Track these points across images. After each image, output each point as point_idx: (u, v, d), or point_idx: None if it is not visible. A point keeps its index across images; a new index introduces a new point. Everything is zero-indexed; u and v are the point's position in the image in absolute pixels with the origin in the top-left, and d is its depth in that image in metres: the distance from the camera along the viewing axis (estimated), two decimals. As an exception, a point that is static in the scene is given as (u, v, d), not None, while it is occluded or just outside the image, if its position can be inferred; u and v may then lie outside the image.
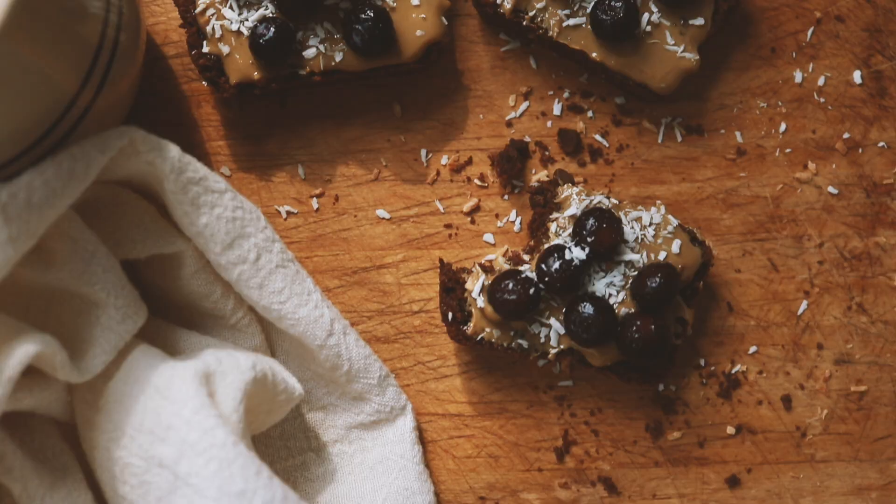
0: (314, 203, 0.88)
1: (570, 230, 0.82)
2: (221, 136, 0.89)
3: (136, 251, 0.79)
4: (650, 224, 0.82)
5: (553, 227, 0.82)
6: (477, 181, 0.88)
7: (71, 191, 0.72)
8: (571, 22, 0.84)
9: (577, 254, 0.80)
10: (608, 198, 0.83)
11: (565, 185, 0.84)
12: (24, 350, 0.71)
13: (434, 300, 0.87)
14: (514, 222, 0.88)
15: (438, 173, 0.88)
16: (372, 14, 0.81)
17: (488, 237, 0.87)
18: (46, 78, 0.69)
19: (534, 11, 0.84)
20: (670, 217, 0.82)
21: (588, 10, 0.84)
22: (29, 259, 0.75)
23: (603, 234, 0.80)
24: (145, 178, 0.78)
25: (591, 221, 0.80)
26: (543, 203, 0.85)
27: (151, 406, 0.75)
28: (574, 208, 0.82)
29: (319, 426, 0.86)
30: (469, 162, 0.88)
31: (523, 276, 0.80)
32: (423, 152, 0.88)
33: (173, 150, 0.77)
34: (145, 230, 0.80)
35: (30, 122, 0.70)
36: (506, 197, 0.88)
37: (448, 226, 0.88)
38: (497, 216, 0.88)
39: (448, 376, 0.87)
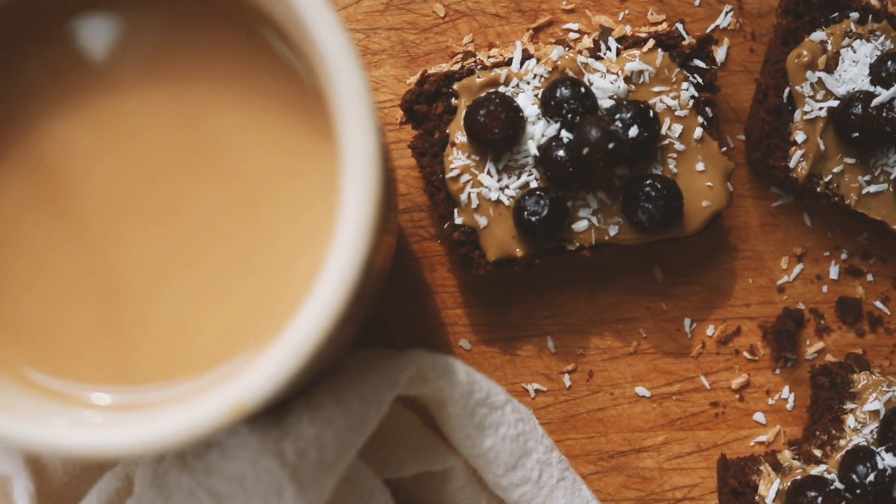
0: (566, 380, 0.78)
1: (871, 427, 0.74)
2: (459, 304, 0.78)
3: (403, 471, 0.70)
4: (960, 417, 0.74)
5: (850, 420, 0.74)
6: (746, 354, 0.79)
7: (362, 438, 0.62)
8: (872, 189, 0.74)
9: (891, 461, 0.72)
10: (912, 387, 0.75)
11: (861, 374, 0.75)
12: None
13: (700, 486, 0.79)
14: (786, 399, 0.79)
15: (704, 345, 0.79)
16: (664, 190, 0.71)
17: (759, 416, 0.79)
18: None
19: (829, 177, 0.75)
20: (981, 408, 0.75)
21: (893, 176, 0.74)
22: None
23: (920, 441, 0.72)
24: (419, 397, 0.68)
25: (903, 425, 0.72)
26: (828, 386, 0.76)
27: None
28: (876, 403, 0.74)
29: None
30: (737, 332, 0.79)
31: (831, 487, 0.72)
32: (687, 322, 0.79)
33: (461, 373, 0.66)
34: (413, 449, 0.70)
35: (332, 355, 0.60)
36: (777, 371, 0.79)
37: (714, 404, 0.79)
38: (768, 392, 0.79)
39: (715, 570, 0.79)
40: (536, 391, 0.78)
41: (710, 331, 0.79)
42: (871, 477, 0.72)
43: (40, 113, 0.56)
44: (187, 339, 0.54)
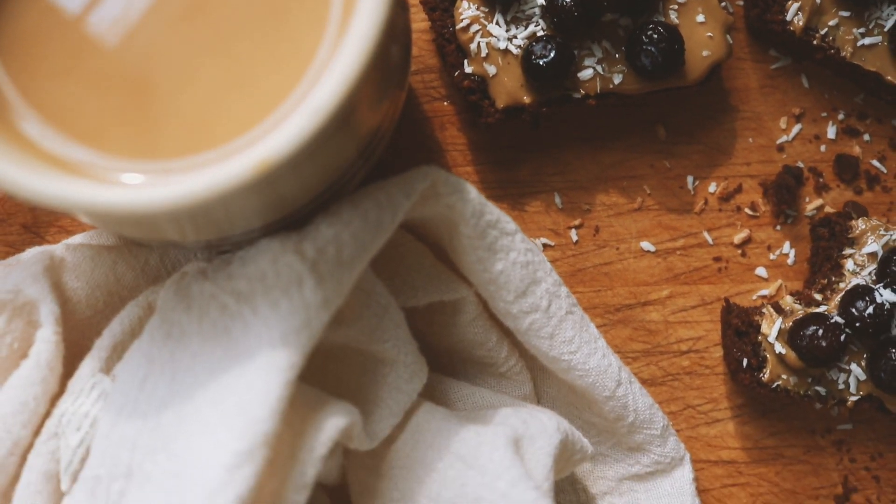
0: (573, 235, 0.81)
1: (869, 269, 0.76)
2: (469, 162, 0.81)
3: (417, 299, 0.72)
4: (953, 260, 0.77)
5: (849, 264, 0.77)
6: (747, 210, 0.81)
7: (378, 242, 0.64)
8: (867, 41, 0.77)
9: (889, 297, 0.74)
10: (908, 231, 0.77)
11: (860, 220, 0.77)
12: (334, 425, 0.64)
13: (704, 339, 0.81)
14: (787, 255, 0.81)
15: (706, 202, 0.81)
16: (666, 33, 0.74)
17: (761, 271, 0.81)
18: (367, 130, 0.62)
19: (825, 30, 0.78)
20: (975, 253, 0.77)
21: (886, 28, 0.77)
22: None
23: (916, 275, 0.74)
24: (431, 220, 0.70)
25: (901, 261, 0.75)
26: (828, 236, 0.79)
27: (452, 475, 0.68)
28: (873, 245, 0.76)
29: (587, 478, 0.80)
30: (738, 190, 0.81)
31: (832, 321, 0.74)
32: (690, 179, 0.81)
33: (472, 192, 0.69)
34: (426, 276, 0.72)
35: (342, 167, 0.63)
36: (778, 227, 0.82)
37: (717, 259, 0.81)
38: (769, 248, 0.81)
39: (720, 420, 0.81)
40: (544, 245, 0.81)
41: (712, 188, 0.81)
42: (870, 310, 0.74)
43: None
44: (212, 120, 0.57)
